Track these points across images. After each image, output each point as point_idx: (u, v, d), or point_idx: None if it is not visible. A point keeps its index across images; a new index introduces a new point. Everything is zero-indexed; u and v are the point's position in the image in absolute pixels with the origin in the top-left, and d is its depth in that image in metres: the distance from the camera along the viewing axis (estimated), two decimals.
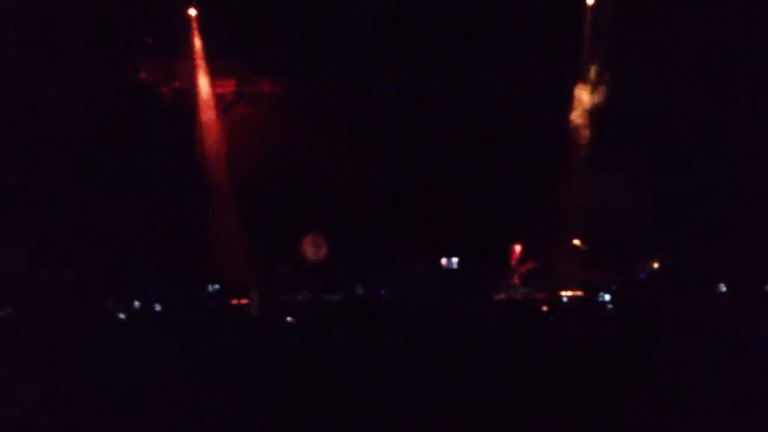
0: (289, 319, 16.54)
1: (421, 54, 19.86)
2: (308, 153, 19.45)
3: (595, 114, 20.30)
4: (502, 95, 19.71)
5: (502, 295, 17.93)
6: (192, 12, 19.65)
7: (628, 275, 17.96)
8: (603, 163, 19.43)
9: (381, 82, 20.46)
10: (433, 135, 20.05)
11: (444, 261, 19.24)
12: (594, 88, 20.17)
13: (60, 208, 17.95)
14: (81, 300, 15.74)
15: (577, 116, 20.42)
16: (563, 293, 17.96)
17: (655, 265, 18.67)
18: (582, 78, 20.26)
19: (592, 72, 20.14)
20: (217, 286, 18.09)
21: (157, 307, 17.07)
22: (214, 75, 20.07)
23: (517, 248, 19.84)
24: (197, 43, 19.80)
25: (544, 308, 16.95)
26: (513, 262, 19.71)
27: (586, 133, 20.39)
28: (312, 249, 19.70)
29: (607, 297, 16.34)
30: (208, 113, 20.09)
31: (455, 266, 19.17)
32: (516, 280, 19.34)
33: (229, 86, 20.39)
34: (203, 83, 20.00)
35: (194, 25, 19.74)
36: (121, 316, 16.51)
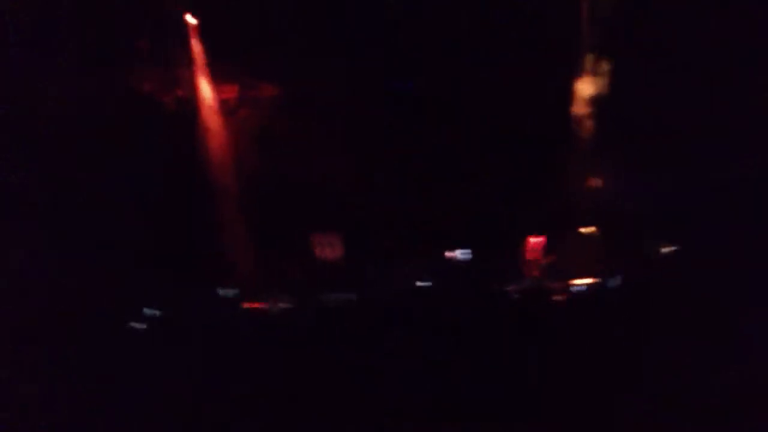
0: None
1: (422, 53, 19.90)
2: (313, 154, 19.45)
3: (598, 106, 20.34)
4: (504, 91, 19.75)
5: (512, 286, 17.93)
6: (191, 20, 19.65)
7: (635, 260, 17.99)
8: (609, 153, 19.51)
9: (384, 82, 20.47)
10: (439, 132, 20.08)
11: (453, 254, 19.25)
12: (596, 82, 20.23)
13: (70, 215, 17.97)
14: (87, 306, 15.78)
15: (580, 109, 20.46)
16: (574, 282, 17.97)
17: (663, 250, 18.71)
18: (584, 72, 20.31)
19: (594, 66, 20.20)
20: (231, 290, 18.11)
21: (167, 313, 17.10)
22: (215, 81, 20.06)
23: (536, 241, 19.85)
24: (197, 50, 19.80)
25: (556, 298, 16.97)
26: (533, 255, 19.69)
27: (590, 125, 20.44)
28: (326, 249, 19.74)
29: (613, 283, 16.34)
30: (211, 119, 20.08)
31: (465, 258, 19.16)
32: (536, 273, 19.32)
33: (231, 91, 20.38)
34: (204, 90, 19.99)
35: (193, 32, 19.74)
36: (135, 324, 16.54)
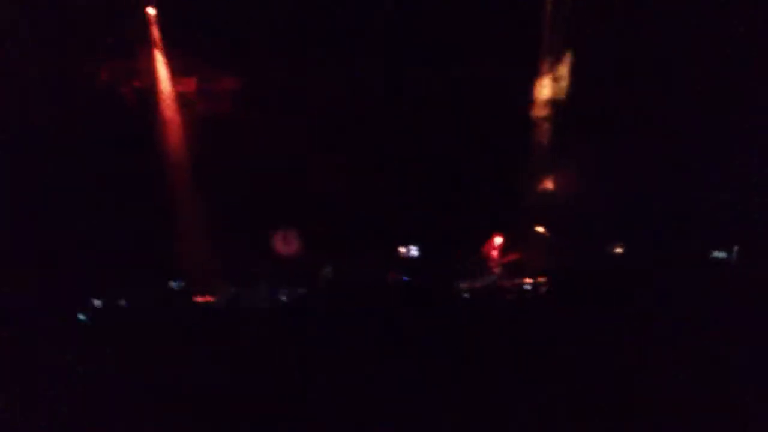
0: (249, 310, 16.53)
1: (386, 46, 19.89)
2: (272, 148, 19.38)
3: (558, 105, 20.43)
4: (466, 86, 19.78)
5: (464, 284, 17.95)
6: (151, 11, 19.58)
7: (589, 261, 18.07)
8: (567, 152, 19.57)
9: (346, 75, 20.42)
10: (399, 126, 20.07)
11: (403, 249, 19.28)
12: (557, 80, 20.32)
13: (19, 204, 17.82)
14: (37, 297, 15.65)
15: (541, 107, 20.54)
16: (526, 281, 18.03)
17: (618, 251, 18.81)
18: (546, 70, 20.39)
19: (555, 64, 20.29)
20: (181, 282, 18.02)
21: (121, 304, 17.01)
22: (174, 73, 19.99)
23: (498, 239, 19.89)
24: (156, 41, 19.73)
25: (507, 297, 17.00)
26: (493, 253, 19.74)
27: (549, 123, 20.52)
28: (283, 244, 19.71)
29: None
30: (169, 111, 20.01)
31: (415, 254, 19.20)
32: (496, 270, 19.36)
33: (190, 84, 20.30)
34: (163, 82, 19.91)
35: (153, 24, 19.66)
36: (81, 316, 16.43)
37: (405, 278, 17.93)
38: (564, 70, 20.02)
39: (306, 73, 19.66)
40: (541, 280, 17.69)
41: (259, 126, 19.29)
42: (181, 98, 20.18)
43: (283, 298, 17.28)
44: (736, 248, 18.54)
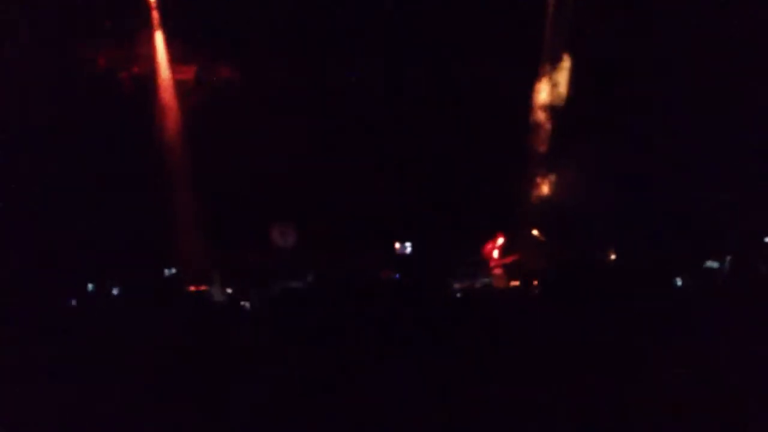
0: (243, 303, 16.55)
1: (385, 47, 19.93)
2: (269, 140, 19.37)
3: (555, 110, 20.47)
4: (464, 89, 19.84)
5: (458, 284, 17.98)
6: None
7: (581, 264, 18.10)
8: (564, 156, 19.62)
9: (344, 72, 20.45)
10: (396, 125, 20.10)
11: (398, 246, 19.32)
12: (555, 85, 20.36)
13: (18, 192, 17.83)
14: (30, 285, 15.65)
15: (538, 111, 20.58)
16: (514, 283, 18.12)
17: (612, 257, 18.87)
18: (543, 75, 20.43)
19: (553, 69, 20.33)
20: (173, 270, 18.04)
21: (114, 291, 17.02)
22: (174, 61, 19.97)
23: (500, 240, 19.93)
24: (157, 29, 19.73)
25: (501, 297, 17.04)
26: (495, 254, 19.77)
27: (547, 127, 20.56)
28: (280, 237, 19.72)
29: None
30: (167, 99, 19.99)
31: (408, 251, 19.24)
32: (497, 271, 19.40)
33: (189, 72, 20.28)
34: (163, 69, 19.90)
35: (154, 11, 19.65)
36: (73, 302, 16.44)
37: (397, 276, 17.99)
38: (562, 76, 20.07)
39: (307, 70, 19.71)
40: (535, 282, 17.76)
41: (257, 118, 19.30)
42: (180, 86, 20.16)
43: (278, 290, 17.31)
44: (728, 258, 18.61)
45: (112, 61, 19.70)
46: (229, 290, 17.89)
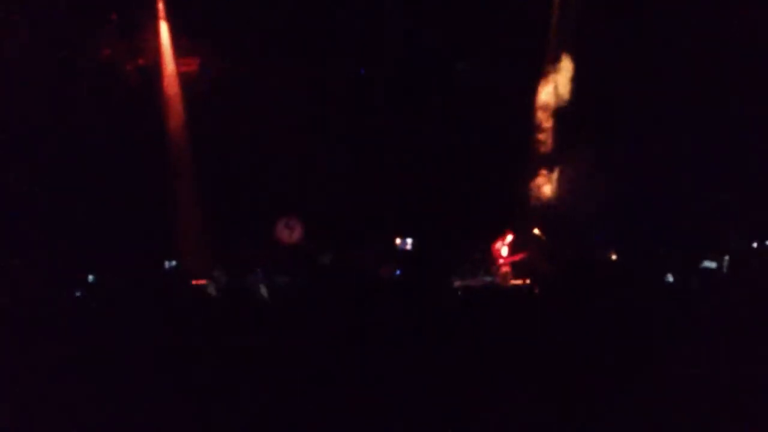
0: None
1: (387, 42, 19.95)
2: (274, 133, 19.39)
3: (558, 108, 20.52)
4: (467, 87, 19.90)
5: (458, 282, 18.03)
6: None
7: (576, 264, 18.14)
8: (566, 156, 19.71)
9: (349, 67, 20.47)
10: (400, 121, 20.16)
11: (398, 241, 19.38)
12: (557, 84, 20.40)
13: (21, 184, 17.80)
14: (32, 278, 15.61)
15: (540, 110, 20.63)
16: (514, 282, 18.19)
17: (613, 257, 18.92)
18: (545, 74, 20.47)
19: (555, 68, 20.37)
20: (173, 263, 18.05)
21: (112, 283, 16.98)
22: (178, 53, 19.93)
23: (509, 238, 19.99)
24: (162, 20, 19.67)
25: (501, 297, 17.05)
26: (504, 252, 19.83)
27: (549, 126, 20.61)
28: (287, 231, 19.73)
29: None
30: (171, 91, 19.97)
31: (409, 247, 19.31)
32: (504, 269, 19.46)
33: (193, 64, 20.25)
34: (167, 61, 19.86)
35: (159, 2, 19.60)
36: (77, 293, 16.39)
37: (398, 272, 18.00)
38: (564, 77, 20.10)
39: (311, 64, 19.71)
40: (534, 282, 17.82)
41: (260, 111, 19.31)
42: (184, 78, 20.14)
43: (278, 284, 17.30)
44: (726, 258, 18.71)
45: (116, 52, 19.65)
46: (230, 283, 17.87)
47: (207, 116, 19.69)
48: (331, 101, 19.85)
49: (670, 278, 16.52)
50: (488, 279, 18.98)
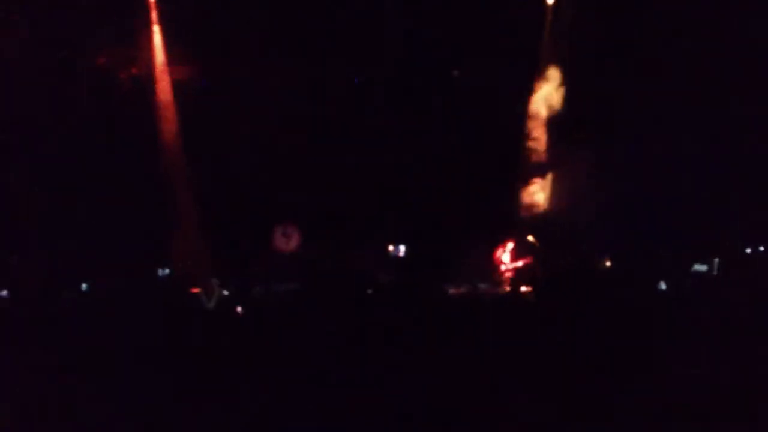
0: (238, 309, 16.54)
1: (386, 49, 20.00)
2: (268, 140, 19.38)
3: (552, 115, 20.54)
4: (462, 92, 19.95)
5: (453, 290, 18.04)
6: None
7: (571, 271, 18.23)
8: (561, 159, 19.72)
9: (344, 73, 20.48)
10: (396, 129, 20.18)
11: (391, 248, 19.39)
12: (551, 90, 20.44)
13: (14, 191, 17.76)
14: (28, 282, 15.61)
15: (534, 116, 20.64)
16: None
17: (608, 264, 19.01)
18: (540, 80, 20.50)
19: (550, 74, 20.40)
20: (167, 271, 18.02)
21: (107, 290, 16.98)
22: (172, 60, 19.92)
23: (510, 245, 20.01)
24: (156, 29, 19.68)
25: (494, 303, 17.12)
26: (506, 258, 19.84)
27: (543, 132, 20.63)
28: (284, 239, 19.72)
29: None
30: (165, 97, 19.94)
31: (401, 254, 19.31)
32: (509, 274, 19.45)
33: (187, 71, 20.23)
34: (161, 67, 19.85)
35: (153, 11, 19.60)
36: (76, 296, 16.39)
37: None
38: (559, 81, 20.16)
39: (306, 69, 19.72)
40: (529, 288, 17.88)
41: (255, 117, 19.31)
42: (178, 85, 20.10)
43: (276, 292, 17.33)
44: (716, 261, 18.83)
45: (110, 59, 19.63)
46: (225, 292, 17.89)
47: (202, 122, 19.65)
48: (327, 107, 19.83)
49: (663, 286, 16.66)
50: (483, 286, 18.98)
